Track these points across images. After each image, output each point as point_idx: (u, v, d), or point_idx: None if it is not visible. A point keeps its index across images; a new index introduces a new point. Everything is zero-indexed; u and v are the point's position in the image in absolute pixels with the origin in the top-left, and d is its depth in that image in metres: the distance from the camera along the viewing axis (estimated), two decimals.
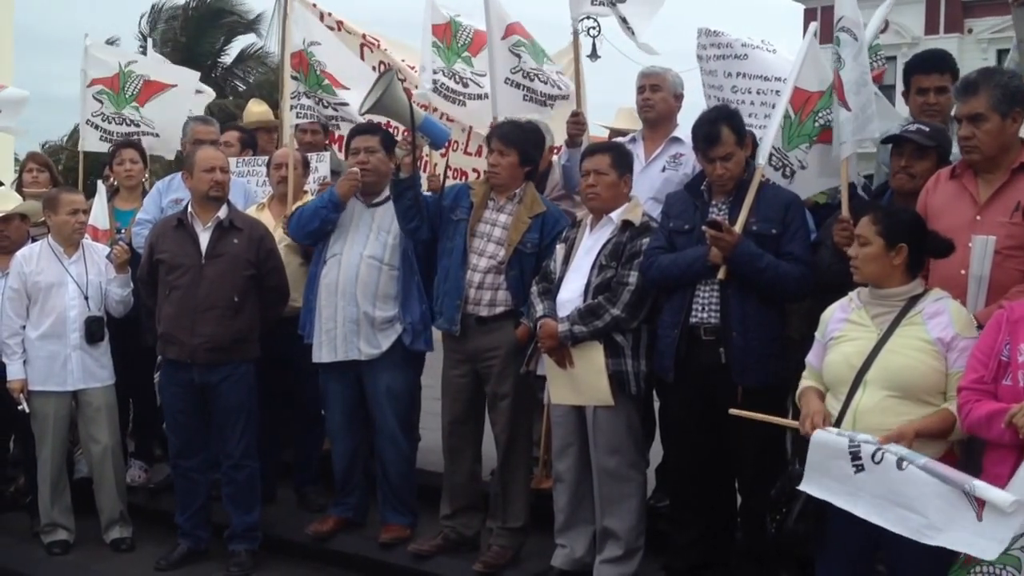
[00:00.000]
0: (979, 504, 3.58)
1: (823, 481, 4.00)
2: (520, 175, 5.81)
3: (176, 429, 6.34)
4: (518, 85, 6.96)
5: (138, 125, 8.22)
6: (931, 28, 36.41)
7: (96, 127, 8.25)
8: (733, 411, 4.60)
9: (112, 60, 8.29)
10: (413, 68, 8.00)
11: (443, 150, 6.67)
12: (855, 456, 3.87)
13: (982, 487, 3.59)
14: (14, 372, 6.40)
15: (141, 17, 29.69)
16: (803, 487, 4.07)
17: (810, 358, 4.48)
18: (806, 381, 4.47)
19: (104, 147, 8.27)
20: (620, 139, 6.39)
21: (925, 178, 4.79)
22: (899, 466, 3.75)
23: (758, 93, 6.00)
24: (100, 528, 6.65)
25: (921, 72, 5.60)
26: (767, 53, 6.03)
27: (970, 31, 35.75)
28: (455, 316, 5.75)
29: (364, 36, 8.04)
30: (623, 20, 6.48)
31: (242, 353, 6.17)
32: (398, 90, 5.81)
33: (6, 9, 23.32)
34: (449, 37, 7.42)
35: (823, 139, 5.44)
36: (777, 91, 5.88)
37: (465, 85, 7.47)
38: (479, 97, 7.45)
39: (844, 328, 4.29)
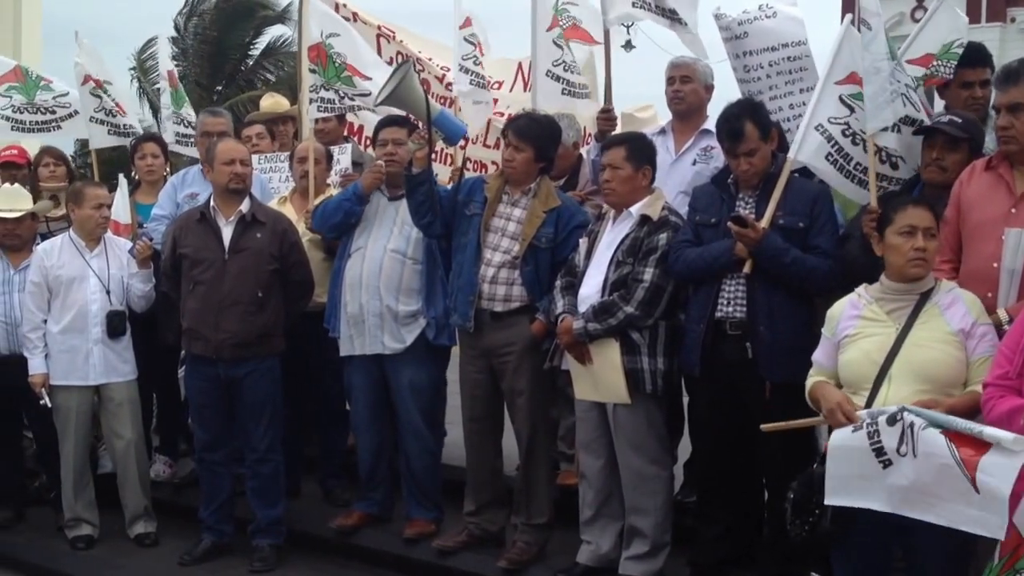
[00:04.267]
0: (972, 475, 3.55)
1: (849, 484, 3.94)
2: (535, 170, 5.74)
3: (202, 423, 6.33)
4: (558, 78, 6.88)
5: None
6: (973, 17, 35.71)
7: (101, 122, 8.16)
8: (765, 427, 4.49)
9: (98, 65, 8.25)
10: (431, 59, 7.96)
11: (462, 143, 6.60)
12: (879, 452, 3.82)
13: (990, 431, 3.57)
14: (36, 366, 6.41)
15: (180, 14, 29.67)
16: (829, 501, 4.00)
17: (818, 356, 4.42)
18: (815, 377, 4.40)
19: (113, 141, 8.26)
20: (647, 130, 6.32)
21: (956, 171, 4.73)
22: (912, 430, 3.71)
23: (770, 65, 5.97)
24: (124, 523, 6.66)
25: (967, 66, 5.48)
26: (766, 21, 5.98)
27: (1012, 20, 35.21)
28: (468, 312, 5.70)
29: (380, 27, 7.99)
30: (671, 13, 6.35)
31: (267, 348, 6.15)
32: (414, 82, 5.72)
33: (34, 1, 23.42)
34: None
35: None
36: (789, 57, 5.88)
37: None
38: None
39: (859, 325, 4.23)
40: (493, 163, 7.81)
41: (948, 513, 3.66)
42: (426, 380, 6.11)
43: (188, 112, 8.29)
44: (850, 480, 3.93)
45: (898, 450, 3.78)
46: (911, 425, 3.73)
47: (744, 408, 5.06)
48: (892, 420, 3.79)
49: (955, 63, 5.46)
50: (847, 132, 5.24)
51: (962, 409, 3.92)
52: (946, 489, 3.65)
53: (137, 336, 6.61)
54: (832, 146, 5.25)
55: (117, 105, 8.07)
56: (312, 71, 7.11)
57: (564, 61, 6.84)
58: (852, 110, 5.24)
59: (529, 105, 6.55)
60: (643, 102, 7.61)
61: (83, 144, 23.56)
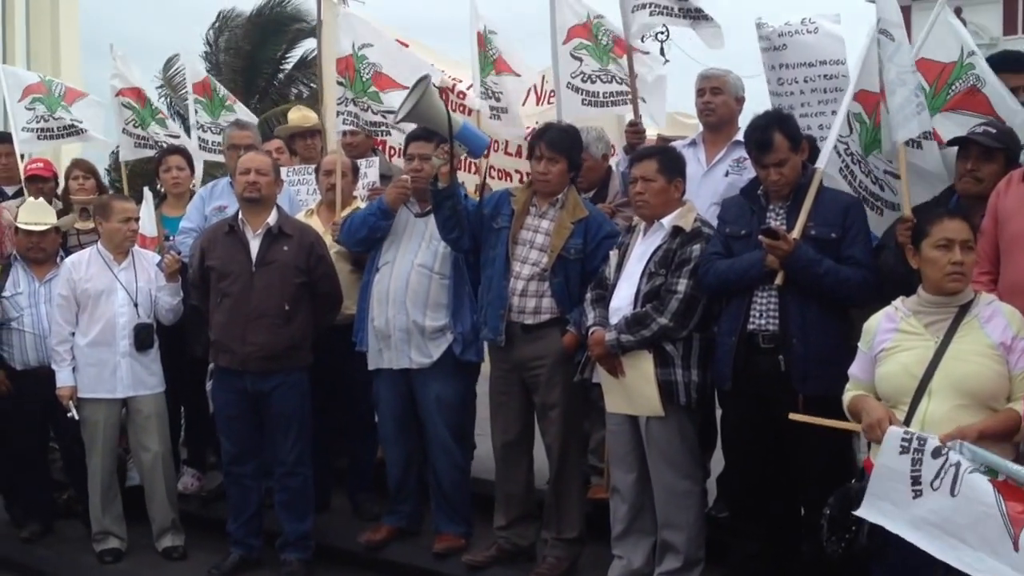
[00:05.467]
0: (1016, 532, 3.51)
1: (881, 505, 3.91)
2: (567, 181, 5.72)
3: (229, 436, 6.29)
4: (578, 90, 6.87)
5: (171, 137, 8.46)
6: (1009, 28, 35.32)
7: (130, 135, 8.43)
8: (793, 416, 4.47)
9: (135, 77, 8.45)
10: (443, 72, 7.93)
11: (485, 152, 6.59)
12: (915, 481, 3.79)
13: None
14: (63, 379, 6.42)
15: (211, 28, 29.71)
16: (861, 512, 3.97)
17: (854, 370, 4.35)
18: (853, 391, 4.33)
19: (140, 153, 8.50)
20: (677, 143, 6.25)
21: (993, 181, 4.66)
22: (957, 470, 3.66)
23: (805, 81, 5.86)
24: (152, 536, 6.64)
25: (1009, 71, 5.38)
26: (807, 36, 5.87)
27: None
28: (499, 326, 5.66)
29: (396, 41, 7.96)
30: (695, 12, 6.30)
31: (295, 361, 6.12)
32: (434, 97, 5.65)
33: (71, 17, 23.65)
34: (484, 46, 7.40)
35: None
36: (825, 75, 5.78)
37: (498, 99, 7.53)
38: (503, 111, 7.54)
39: (896, 338, 4.15)
40: (516, 171, 7.78)
41: (971, 559, 3.62)
42: (453, 395, 6.06)
43: (224, 119, 8.36)
44: (881, 501, 3.90)
45: (931, 484, 3.75)
46: (956, 464, 3.68)
47: (776, 422, 4.98)
48: (937, 453, 3.75)
49: (973, 72, 5.29)
50: (847, 151, 5.21)
51: (995, 430, 3.86)
52: (977, 537, 3.60)
53: (166, 349, 6.61)
54: (842, 161, 5.21)
55: (160, 113, 8.32)
56: (340, 83, 7.09)
57: (583, 72, 6.81)
58: (852, 130, 5.20)
59: (545, 117, 6.55)
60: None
61: (116, 157, 23.76)
